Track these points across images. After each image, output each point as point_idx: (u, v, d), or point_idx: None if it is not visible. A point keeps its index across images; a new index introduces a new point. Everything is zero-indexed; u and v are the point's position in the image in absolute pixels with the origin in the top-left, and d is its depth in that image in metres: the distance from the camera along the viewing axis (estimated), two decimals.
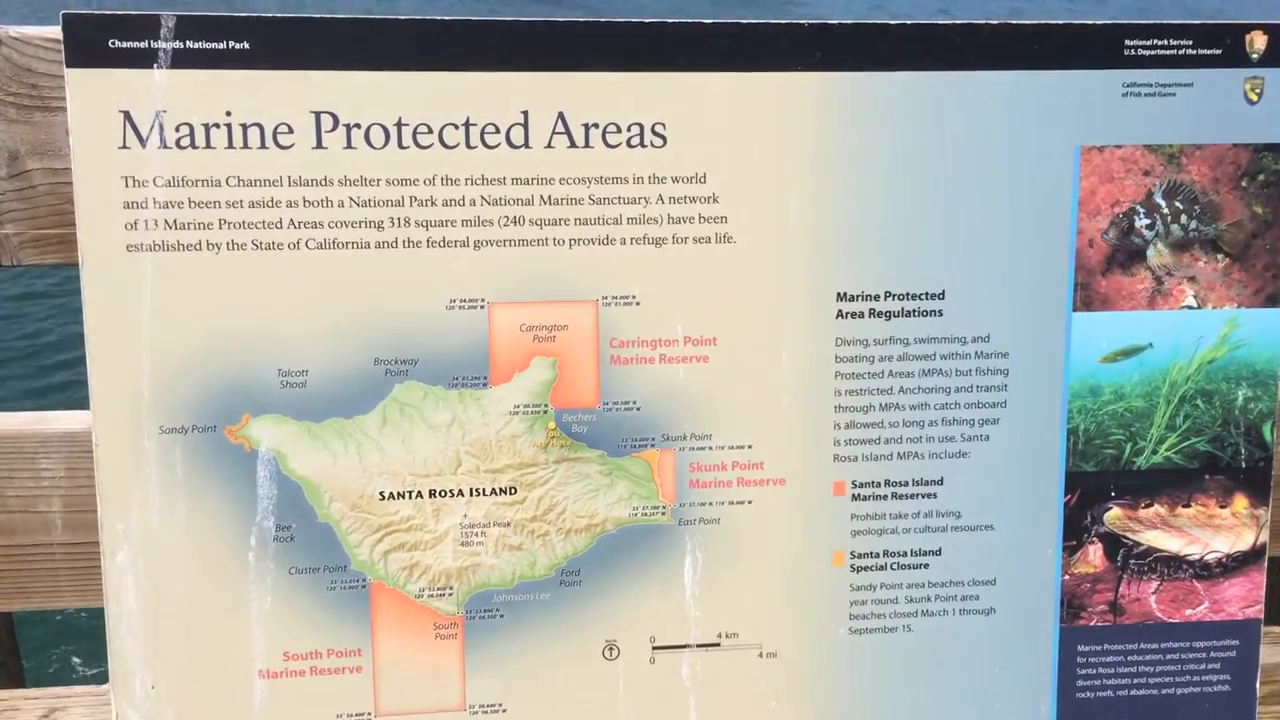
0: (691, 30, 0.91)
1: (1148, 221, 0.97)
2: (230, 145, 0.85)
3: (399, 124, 0.87)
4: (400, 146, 0.88)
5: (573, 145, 0.90)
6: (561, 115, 0.89)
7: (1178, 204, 0.97)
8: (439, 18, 0.88)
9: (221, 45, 0.84)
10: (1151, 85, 0.96)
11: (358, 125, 0.87)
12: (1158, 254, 0.98)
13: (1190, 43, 0.96)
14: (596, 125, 0.90)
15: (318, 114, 0.86)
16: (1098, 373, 0.98)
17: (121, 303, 0.86)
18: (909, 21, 0.94)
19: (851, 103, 0.93)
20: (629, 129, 0.90)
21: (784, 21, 0.92)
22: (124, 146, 0.84)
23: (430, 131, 0.88)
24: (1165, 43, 0.95)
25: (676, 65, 0.90)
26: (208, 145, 0.85)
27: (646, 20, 0.90)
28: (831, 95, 0.92)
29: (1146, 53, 0.95)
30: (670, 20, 0.90)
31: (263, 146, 0.86)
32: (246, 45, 0.85)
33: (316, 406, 0.88)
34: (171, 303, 0.86)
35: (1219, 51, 0.96)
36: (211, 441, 0.88)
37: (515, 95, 0.89)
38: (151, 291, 0.86)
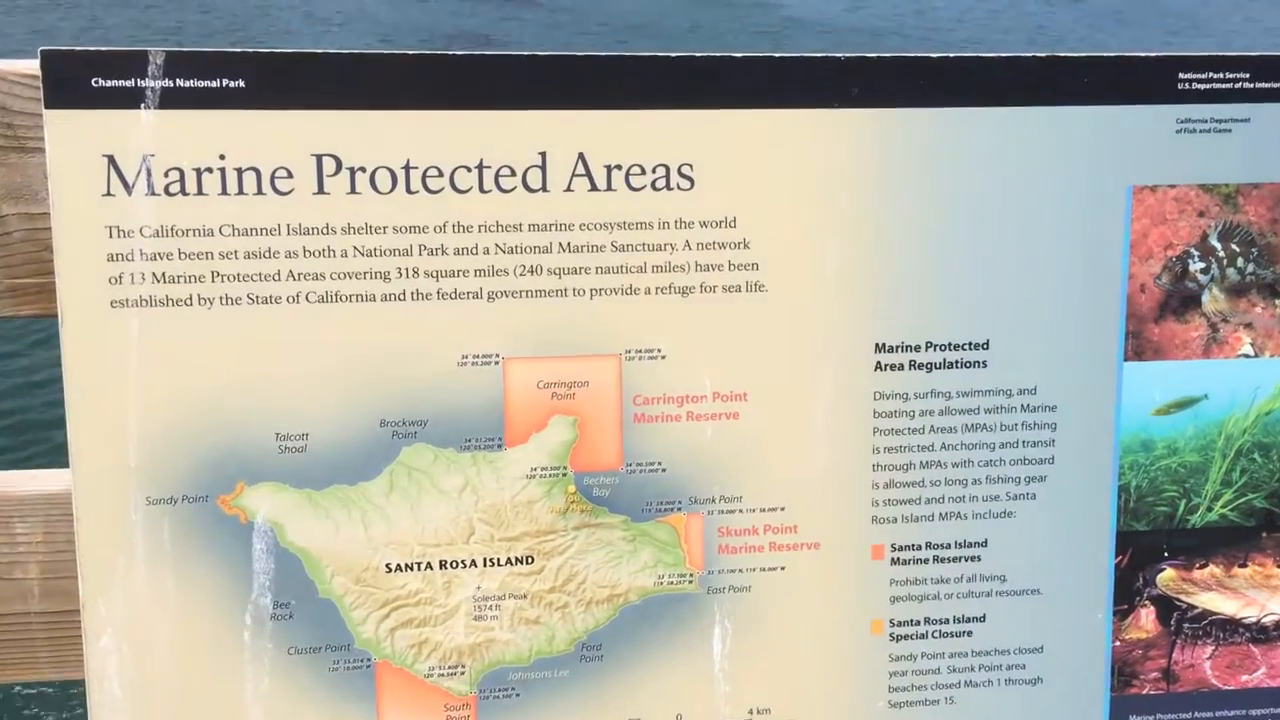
0: (721, 65, 0.84)
1: (1202, 265, 0.92)
2: (224, 191, 0.79)
3: (407, 167, 0.81)
4: (408, 191, 0.81)
5: (594, 188, 0.83)
6: (582, 156, 0.83)
7: (1234, 246, 0.92)
8: (449, 52, 0.82)
9: (214, 84, 0.78)
10: (1207, 121, 0.90)
11: (362, 169, 0.80)
12: (1213, 299, 0.92)
13: (1247, 75, 0.90)
14: (619, 166, 0.83)
15: (319, 157, 0.80)
16: (1150, 426, 0.92)
17: (105, 362, 0.79)
18: (950, 55, 0.88)
19: (890, 141, 0.86)
20: (654, 170, 0.84)
21: (818, 55, 0.86)
22: (108, 194, 0.77)
23: (441, 175, 0.81)
24: (1221, 75, 0.90)
25: (705, 102, 0.84)
26: (199, 192, 0.78)
27: (673, 54, 0.84)
28: (869, 133, 0.86)
29: (1201, 86, 0.90)
30: (699, 54, 0.84)
31: (259, 192, 0.79)
32: (242, 83, 0.78)
33: (317, 473, 0.82)
34: (160, 362, 0.79)
35: (1278, 85, 0.90)
36: (203, 513, 0.81)
37: (532, 135, 0.82)
38: (138, 350, 0.79)
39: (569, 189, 0.83)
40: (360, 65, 0.80)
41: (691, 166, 0.84)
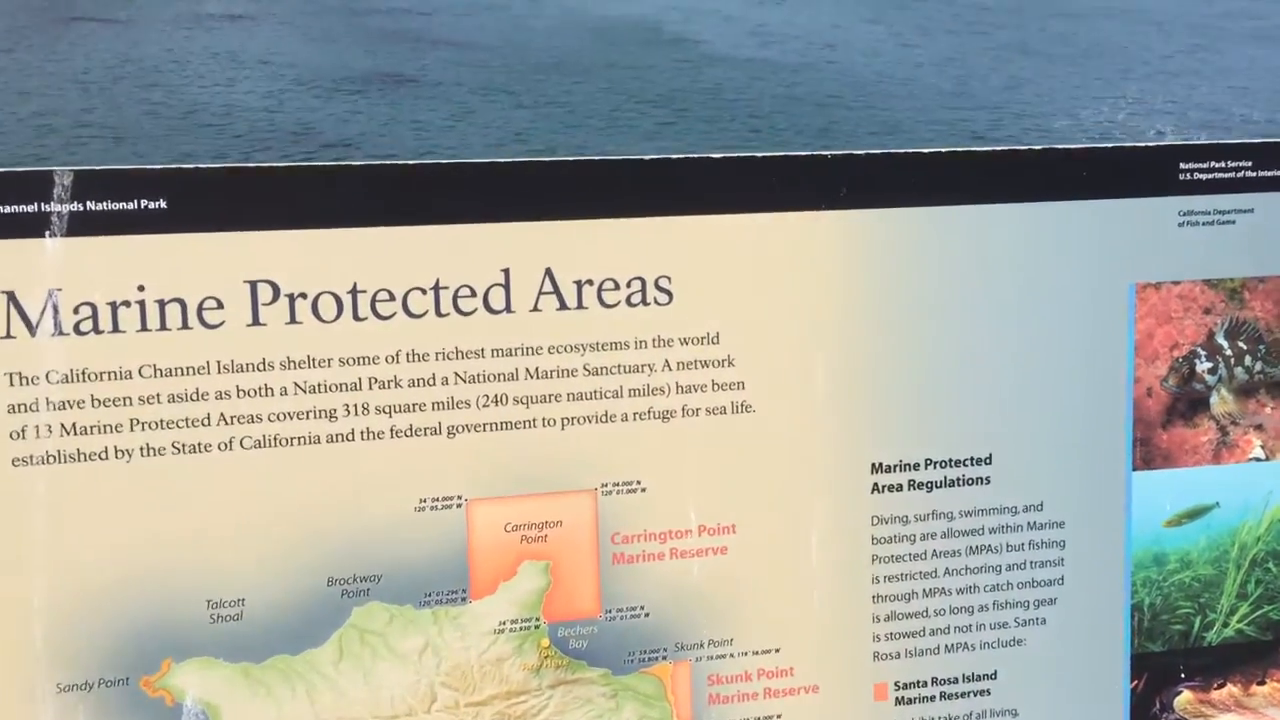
0: (700, 167, 0.77)
1: (1209, 365, 0.86)
2: (144, 327, 0.69)
3: (354, 291, 0.72)
4: (356, 318, 0.72)
5: (563, 307, 0.75)
6: (549, 272, 0.75)
7: (1241, 344, 0.86)
8: (398, 163, 0.73)
9: (131, 205, 0.68)
10: (1209, 213, 0.85)
11: (303, 295, 0.71)
12: (1221, 401, 0.86)
13: (1250, 164, 0.85)
14: (590, 282, 0.75)
15: (253, 283, 0.70)
16: (1162, 538, 0.86)
17: (6, 528, 0.68)
18: (943, 150, 0.81)
19: (882, 243, 0.80)
20: (628, 285, 0.76)
21: (804, 154, 0.79)
22: (8, 336, 0.67)
23: (392, 298, 0.72)
24: (1223, 165, 0.85)
25: (683, 208, 0.76)
26: (115, 329, 0.68)
27: (646, 157, 0.76)
28: (859, 236, 0.79)
29: (1203, 176, 0.84)
30: (675, 156, 0.77)
31: (185, 327, 0.69)
32: (163, 204, 0.68)
33: (255, 643, 0.71)
34: (71, 526, 0.69)
35: None
36: (124, 697, 0.70)
37: (493, 250, 0.74)
38: (45, 514, 0.68)
39: (536, 308, 0.75)
40: (299, 180, 0.71)
41: (669, 279, 0.77)
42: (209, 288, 0.70)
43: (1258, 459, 0.87)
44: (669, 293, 0.77)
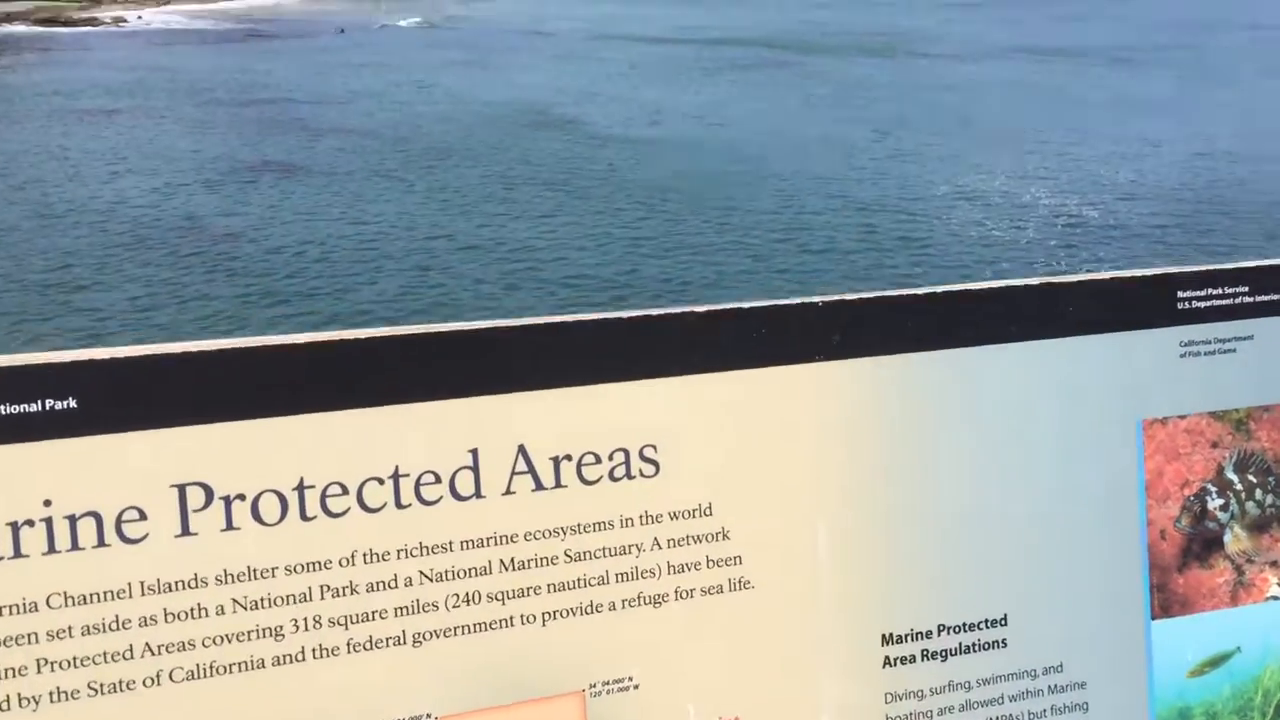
0: (681, 323, 0.69)
1: (1221, 502, 0.81)
2: (52, 549, 0.58)
3: (300, 487, 0.62)
4: (304, 518, 0.62)
5: (539, 487, 0.66)
6: (522, 449, 0.66)
7: (1250, 477, 0.82)
8: (345, 336, 0.64)
9: (35, 407, 0.58)
10: (1210, 341, 0.80)
11: (240, 496, 0.61)
12: (1235, 539, 0.81)
13: (1246, 289, 0.81)
14: (569, 457, 0.67)
15: (181, 488, 0.60)
16: (1186, 691, 0.80)
17: None
18: (938, 289, 0.75)
19: (881, 393, 0.73)
20: (611, 457, 0.68)
21: (793, 302, 0.72)
22: None
23: (345, 492, 0.63)
24: (1220, 291, 0.80)
25: (665, 368, 0.69)
26: (17, 553, 0.58)
27: (624, 315, 0.68)
28: (856, 387, 0.72)
29: (1201, 304, 0.80)
30: (655, 313, 0.69)
31: (101, 544, 0.59)
32: (73, 403, 0.58)
33: None
34: None
35: (1277, 296, 0.82)
36: None
37: (459, 429, 0.65)
38: None
39: (509, 491, 0.66)
40: (231, 365, 0.61)
41: (655, 448, 0.69)
42: (129, 496, 0.59)
43: (1275, 598, 0.82)
44: (655, 463, 0.69)
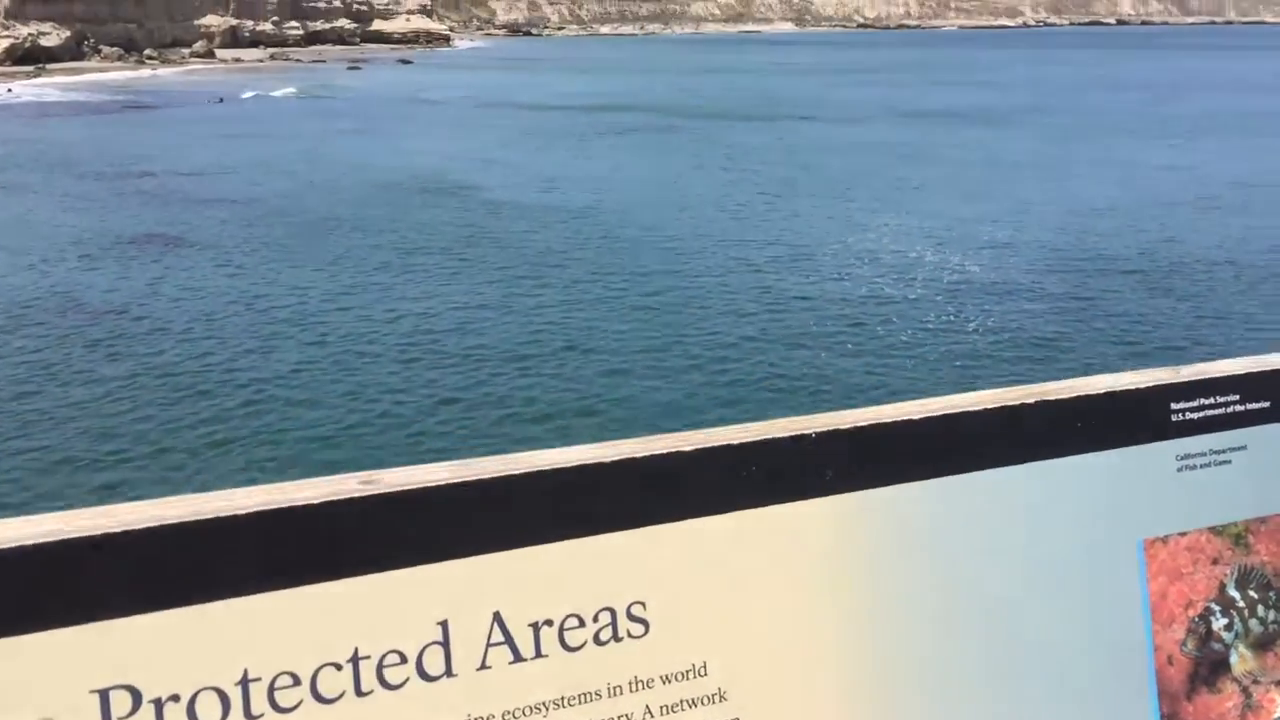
0: (667, 463, 0.63)
1: (1225, 621, 0.77)
2: None
3: (244, 681, 0.53)
4: (248, 716, 0.53)
5: (517, 658, 0.59)
6: (498, 616, 0.58)
7: (1252, 593, 0.78)
8: (287, 501, 0.55)
9: None
10: (1206, 454, 0.77)
11: (175, 698, 0.52)
12: (1241, 659, 0.77)
13: (1237, 397, 0.78)
14: (549, 622, 0.60)
15: (103, 693, 0.51)
16: None
17: None
18: (932, 406, 0.70)
19: (880, 530, 0.67)
20: (596, 618, 0.60)
21: (784, 435, 0.66)
22: None
23: (296, 683, 0.54)
24: (1212, 401, 0.77)
25: (652, 515, 0.62)
26: None
27: (605, 459, 0.61)
28: (854, 523, 0.66)
29: (1194, 415, 0.76)
30: (639, 455, 0.62)
31: None
32: None
33: None
34: None
35: (1267, 404, 0.79)
36: None
37: (426, 599, 0.57)
38: None
39: (484, 666, 0.58)
40: (151, 541, 0.52)
41: (644, 605, 0.62)
42: (42, 709, 0.50)
43: None
44: (644, 622, 0.62)
